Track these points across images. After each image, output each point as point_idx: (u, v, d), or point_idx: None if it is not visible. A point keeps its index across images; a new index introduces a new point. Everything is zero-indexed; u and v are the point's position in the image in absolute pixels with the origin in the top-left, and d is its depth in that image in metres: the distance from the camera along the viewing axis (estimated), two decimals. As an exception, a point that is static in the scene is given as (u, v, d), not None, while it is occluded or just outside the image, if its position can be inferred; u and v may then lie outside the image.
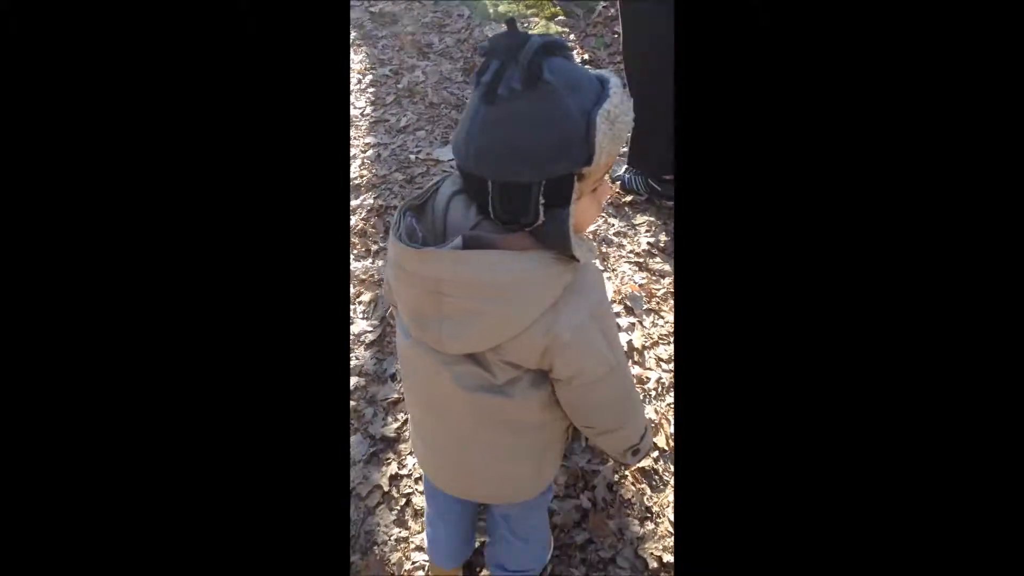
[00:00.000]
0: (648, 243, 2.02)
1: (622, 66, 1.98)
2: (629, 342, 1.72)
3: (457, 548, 1.17)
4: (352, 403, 1.60)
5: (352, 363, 1.70)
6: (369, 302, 1.85)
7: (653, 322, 1.78)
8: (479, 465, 0.90)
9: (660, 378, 1.63)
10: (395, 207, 2.21)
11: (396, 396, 1.61)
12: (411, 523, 1.38)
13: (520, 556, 1.12)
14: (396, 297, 0.80)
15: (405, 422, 1.55)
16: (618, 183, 2.15)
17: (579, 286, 0.74)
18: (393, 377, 1.66)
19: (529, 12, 3.35)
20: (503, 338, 0.74)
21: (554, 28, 3.13)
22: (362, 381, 1.65)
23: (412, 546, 1.34)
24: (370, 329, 1.78)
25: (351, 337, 1.77)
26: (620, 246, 2.03)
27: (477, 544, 1.26)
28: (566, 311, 0.73)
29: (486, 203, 0.70)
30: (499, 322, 0.73)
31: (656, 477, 1.44)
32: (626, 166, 2.14)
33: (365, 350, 1.73)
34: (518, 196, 0.69)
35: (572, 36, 2.97)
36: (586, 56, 2.82)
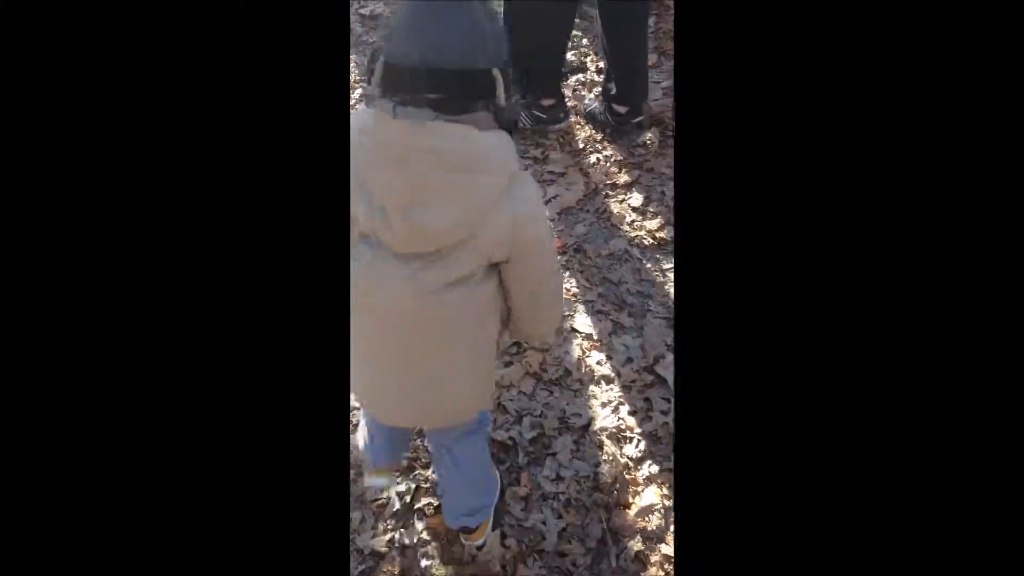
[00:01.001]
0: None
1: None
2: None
3: (396, 450, 1.24)
4: (338, 503, 1.37)
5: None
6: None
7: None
8: (427, 385, 0.95)
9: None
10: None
11: (385, 496, 1.37)
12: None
13: (469, 495, 1.19)
14: (362, 205, 0.82)
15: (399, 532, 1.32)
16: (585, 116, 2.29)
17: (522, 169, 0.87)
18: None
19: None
20: (476, 215, 0.82)
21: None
22: (352, 473, 1.41)
23: None
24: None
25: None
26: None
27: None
28: (522, 186, 0.85)
29: (444, 93, 0.79)
30: (472, 197, 0.81)
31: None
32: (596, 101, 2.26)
33: (354, 430, 1.49)
34: (483, 80, 0.81)
35: (585, 40, 2.69)
36: (601, 64, 2.55)
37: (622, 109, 2.18)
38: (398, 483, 1.39)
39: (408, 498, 1.37)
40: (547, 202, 2.04)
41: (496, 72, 0.81)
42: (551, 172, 2.16)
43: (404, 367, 0.94)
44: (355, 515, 1.36)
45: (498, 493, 1.26)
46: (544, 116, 2.21)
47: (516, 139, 0.82)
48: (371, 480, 1.28)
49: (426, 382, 0.96)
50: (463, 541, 1.25)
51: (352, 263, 0.86)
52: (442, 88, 0.80)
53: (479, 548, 1.24)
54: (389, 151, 0.80)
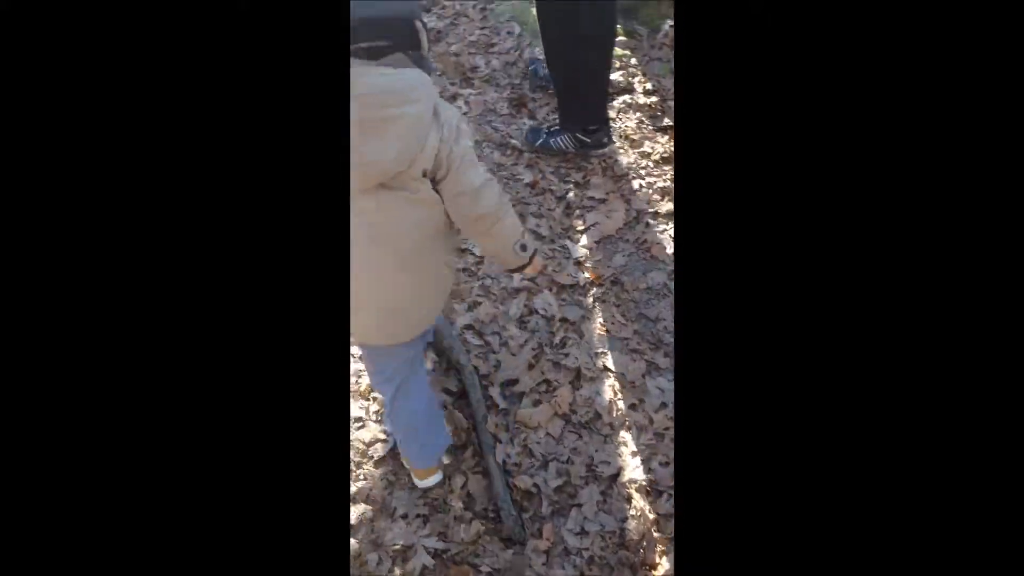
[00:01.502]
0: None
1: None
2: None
3: (433, 443, 1.34)
4: (353, 543, 1.33)
5: (358, 484, 1.42)
6: (379, 410, 1.57)
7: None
8: (404, 301, 1.10)
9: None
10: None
11: (402, 543, 1.32)
12: None
13: (432, 434, 1.34)
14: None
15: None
16: (546, 151, 2.22)
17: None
18: (405, 516, 1.37)
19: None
20: (414, 142, 0.96)
21: (617, 51, 2.79)
22: (368, 512, 1.37)
23: None
24: (383, 438, 1.50)
25: (361, 447, 1.49)
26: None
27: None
28: (444, 111, 1.01)
29: (399, 47, 0.97)
30: (405, 128, 0.95)
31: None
32: (547, 131, 2.20)
33: (375, 467, 1.45)
34: (405, 29, 0.99)
35: (634, 60, 2.61)
36: (649, 85, 2.47)
37: (594, 126, 2.16)
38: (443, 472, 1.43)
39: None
40: (585, 230, 1.97)
41: (417, 23, 0.99)
42: (591, 198, 2.09)
43: (379, 288, 1.07)
44: (371, 556, 1.31)
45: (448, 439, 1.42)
46: (588, 140, 2.16)
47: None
48: (422, 483, 1.38)
49: (398, 298, 1.10)
50: (416, 482, 1.39)
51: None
52: (372, 38, 0.95)
53: (429, 488, 1.39)
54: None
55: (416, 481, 1.39)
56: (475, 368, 1.60)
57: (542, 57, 2.29)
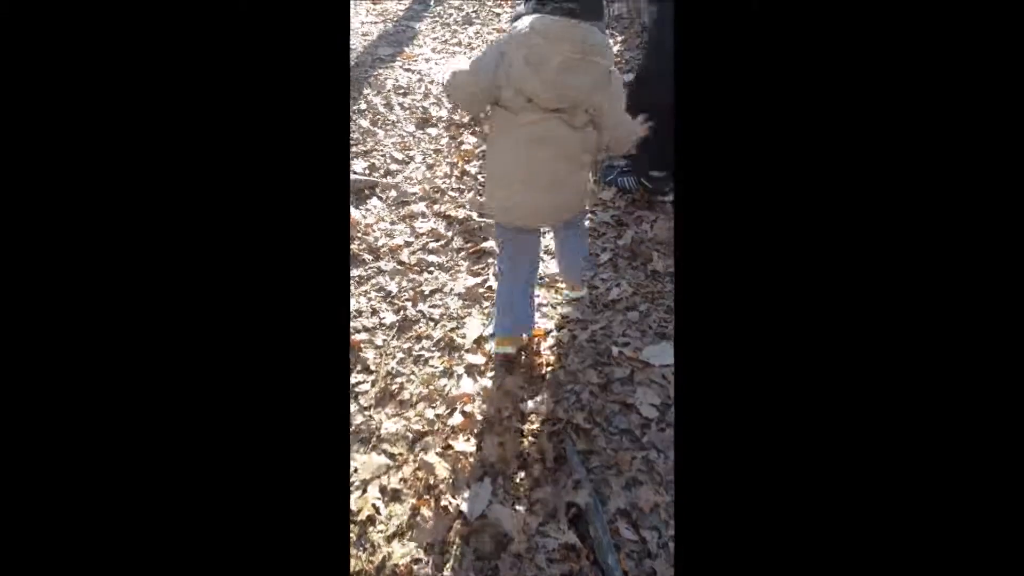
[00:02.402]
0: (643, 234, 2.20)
1: None
2: None
3: (521, 317, 1.64)
4: None
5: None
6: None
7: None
8: (560, 194, 1.47)
9: None
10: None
11: None
12: None
13: (574, 268, 1.77)
14: (518, 79, 1.32)
15: None
16: (613, 186, 2.37)
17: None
18: None
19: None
20: (596, 83, 1.34)
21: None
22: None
23: None
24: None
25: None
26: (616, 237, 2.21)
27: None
28: (616, 74, 1.39)
29: (581, 9, 1.31)
30: (596, 71, 1.33)
31: None
32: (618, 170, 2.34)
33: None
34: (598, 2, 1.36)
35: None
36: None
37: (659, 173, 2.23)
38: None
39: None
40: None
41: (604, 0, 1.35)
42: (656, 243, 1.98)
43: (546, 184, 1.42)
44: None
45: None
46: (650, 186, 2.26)
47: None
48: (500, 349, 1.66)
49: (562, 191, 1.46)
50: (568, 293, 1.93)
51: (501, 125, 1.41)
52: (584, 5, 1.30)
53: (578, 299, 1.93)
54: (549, 41, 1.27)
55: (496, 348, 1.67)
56: (624, 574, 1.23)
57: (622, 165, 2.38)
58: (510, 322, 1.63)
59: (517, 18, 1.38)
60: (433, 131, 2.85)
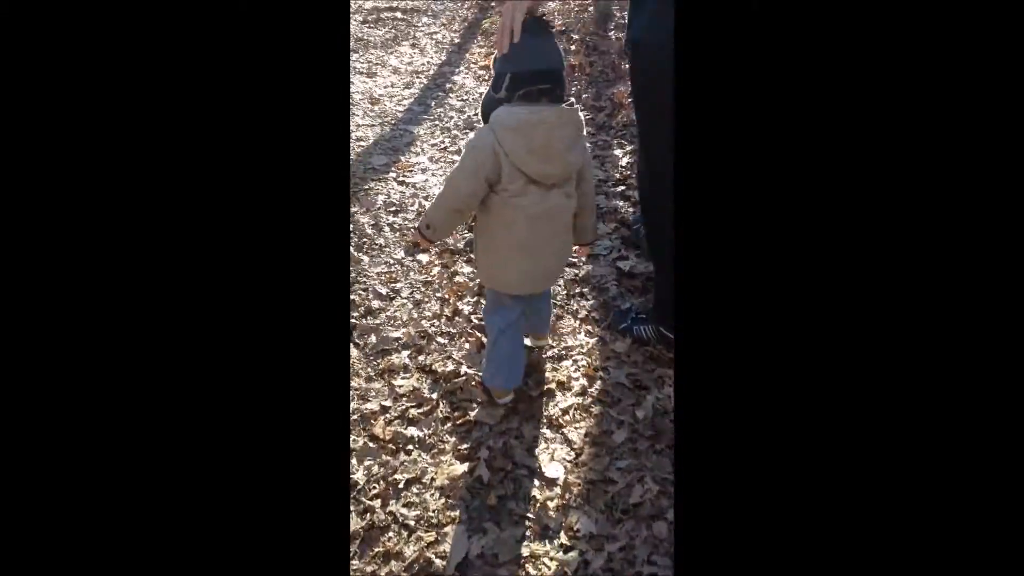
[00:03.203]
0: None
1: None
2: None
3: (518, 370, 1.82)
4: None
5: None
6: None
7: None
8: (556, 261, 1.68)
9: None
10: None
11: None
12: None
13: (546, 323, 1.98)
14: (521, 166, 1.45)
15: None
16: (627, 336, 2.09)
17: None
18: None
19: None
20: (582, 156, 1.56)
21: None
22: None
23: None
24: None
25: None
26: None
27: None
28: (583, 138, 1.56)
29: (556, 90, 1.47)
30: (581, 145, 1.54)
31: None
32: (632, 317, 2.10)
33: None
34: (562, 76, 1.49)
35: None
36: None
37: (671, 334, 2.00)
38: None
39: None
40: None
41: (564, 73, 1.50)
42: None
43: (537, 252, 1.60)
44: None
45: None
46: (671, 336, 2.00)
47: None
48: (502, 400, 1.85)
49: (555, 259, 1.67)
50: (497, 400, 1.86)
51: (495, 206, 1.53)
52: (550, 82, 1.46)
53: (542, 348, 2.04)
54: (528, 126, 1.42)
55: (497, 399, 1.84)
56: None
57: (636, 311, 2.18)
58: (503, 378, 1.81)
59: (490, 108, 1.50)
60: (425, 257, 2.54)
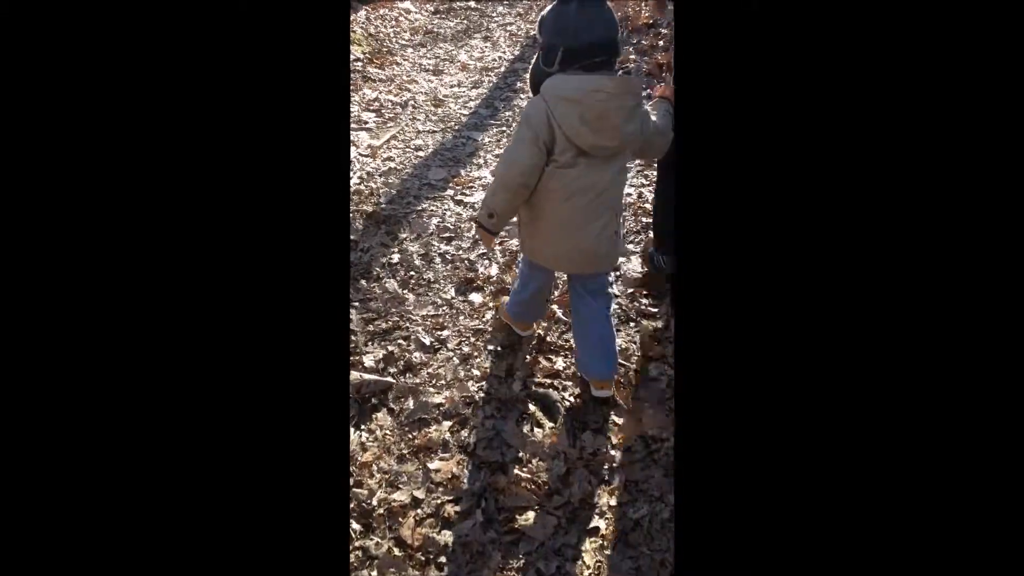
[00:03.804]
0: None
1: None
2: None
3: (541, 310, 1.89)
4: None
5: None
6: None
7: None
8: (596, 241, 1.52)
9: None
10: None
11: None
12: None
13: (597, 360, 1.74)
14: (573, 136, 1.39)
15: None
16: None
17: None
18: None
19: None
20: (639, 127, 1.47)
21: None
22: None
23: None
24: None
25: None
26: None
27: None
28: (645, 105, 1.53)
29: (611, 60, 1.41)
30: (639, 116, 1.46)
31: None
32: (653, 248, 2.19)
33: None
34: (615, 46, 1.42)
35: None
36: None
37: (664, 265, 2.15)
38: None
39: None
40: None
41: (617, 40, 1.42)
42: None
43: (579, 228, 1.50)
44: None
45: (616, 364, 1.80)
46: (663, 265, 2.14)
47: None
48: (600, 393, 1.75)
49: (589, 238, 1.51)
50: (596, 392, 1.77)
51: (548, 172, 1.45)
52: (594, 55, 1.38)
53: (604, 399, 1.77)
54: (583, 95, 1.36)
55: (595, 392, 1.75)
56: None
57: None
58: (522, 313, 1.95)
59: (539, 79, 1.43)
60: (477, 297, 2.21)
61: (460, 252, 2.46)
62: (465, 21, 5.42)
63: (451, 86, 4.15)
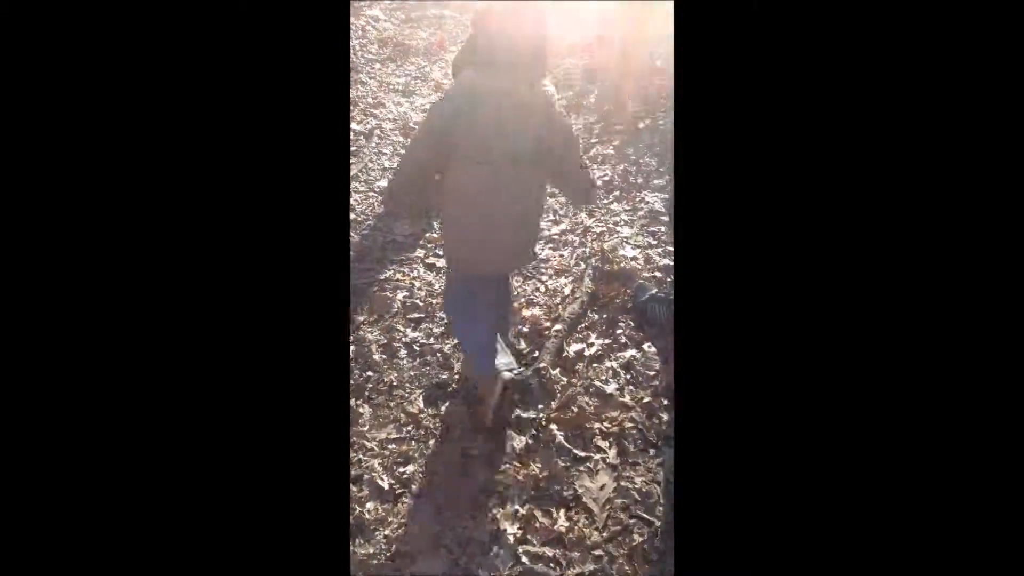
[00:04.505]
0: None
1: None
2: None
3: (490, 351, 1.62)
4: None
5: None
6: None
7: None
8: (510, 239, 1.48)
9: None
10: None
11: None
12: None
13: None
14: (473, 132, 1.35)
15: None
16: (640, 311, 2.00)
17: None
18: None
19: None
20: (545, 133, 1.39)
21: None
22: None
23: None
24: None
25: None
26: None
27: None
28: (553, 113, 1.45)
29: (533, 59, 1.36)
30: (545, 121, 1.39)
31: None
32: (649, 294, 2.02)
33: None
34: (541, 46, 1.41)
35: None
36: None
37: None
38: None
39: None
40: None
41: (541, 38, 1.41)
42: None
43: (492, 229, 1.45)
44: None
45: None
46: None
47: None
48: (506, 376, 1.62)
49: (502, 238, 1.47)
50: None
51: (451, 172, 1.41)
52: (526, 51, 1.37)
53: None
54: (483, 96, 1.33)
55: (505, 376, 1.62)
56: None
57: (653, 292, 2.02)
58: (478, 361, 1.63)
59: (459, 69, 1.43)
60: (454, 408, 1.73)
61: (431, 341, 1.97)
62: (439, 31, 4.92)
63: (423, 110, 3.64)
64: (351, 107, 3.54)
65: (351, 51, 4.32)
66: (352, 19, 4.77)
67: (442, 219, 1.57)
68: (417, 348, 1.94)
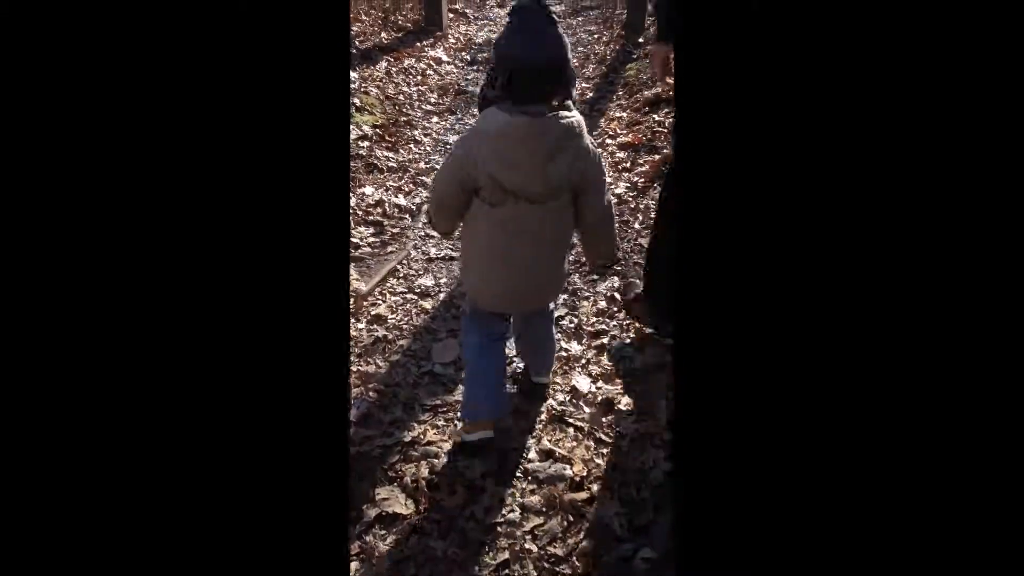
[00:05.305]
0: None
1: None
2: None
3: (495, 400, 1.57)
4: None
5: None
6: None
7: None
8: (539, 280, 1.47)
9: None
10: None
11: None
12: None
13: (543, 360, 1.75)
14: (497, 177, 1.30)
15: None
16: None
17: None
18: None
19: None
20: (577, 162, 1.32)
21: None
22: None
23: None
24: None
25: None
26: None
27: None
28: (587, 137, 1.36)
29: (552, 87, 1.28)
30: (571, 157, 1.32)
31: None
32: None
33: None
34: (571, 76, 1.31)
35: None
36: None
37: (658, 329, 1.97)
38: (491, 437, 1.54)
39: None
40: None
41: (569, 71, 1.31)
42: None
43: (514, 268, 1.43)
44: None
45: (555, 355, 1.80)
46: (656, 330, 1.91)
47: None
48: (469, 437, 1.56)
49: (542, 277, 1.48)
50: (464, 437, 1.58)
51: (478, 213, 1.38)
52: (549, 80, 1.28)
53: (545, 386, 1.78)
54: (502, 136, 1.28)
55: (464, 436, 1.58)
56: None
57: None
58: (474, 407, 1.56)
59: (484, 105, 1.37)
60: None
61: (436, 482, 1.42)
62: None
63: (411, 159, 3.14)
64: (400, 174, 3.07)
65: (408, 102, 3.89)
66: (412, 61, 4.37)
67: (462, 252, 1.55)
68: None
